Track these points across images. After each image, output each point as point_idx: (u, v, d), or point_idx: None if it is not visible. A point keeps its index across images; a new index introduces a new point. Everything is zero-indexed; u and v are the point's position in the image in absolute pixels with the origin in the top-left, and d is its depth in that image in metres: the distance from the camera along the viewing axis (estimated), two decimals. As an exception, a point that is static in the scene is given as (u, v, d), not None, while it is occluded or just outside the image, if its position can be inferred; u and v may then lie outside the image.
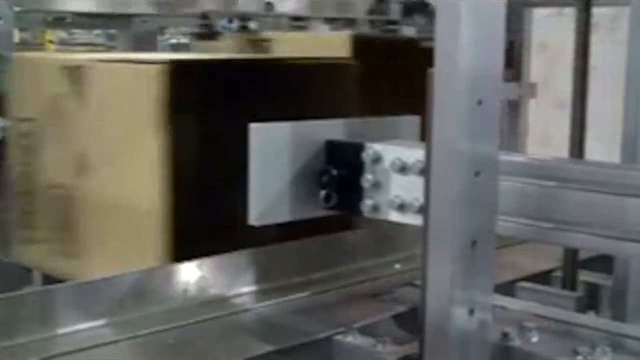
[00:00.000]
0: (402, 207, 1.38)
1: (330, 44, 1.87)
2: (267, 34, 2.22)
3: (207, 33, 2.43)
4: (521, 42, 3.78)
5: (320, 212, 1.47)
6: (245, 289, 1.55)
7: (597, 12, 1.73)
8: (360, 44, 1.94)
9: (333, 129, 1.49)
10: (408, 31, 2.45)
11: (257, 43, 2.11)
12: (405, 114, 1.53)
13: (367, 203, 1.41)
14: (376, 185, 1.40)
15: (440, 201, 1.14)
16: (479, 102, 1.12)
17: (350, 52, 1.81)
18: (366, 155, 1.41)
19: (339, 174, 1.45)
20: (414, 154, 1.35)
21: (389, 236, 1.80)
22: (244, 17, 2.39)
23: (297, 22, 2.48)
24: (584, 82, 1.62)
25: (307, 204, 1.46)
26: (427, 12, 2.66)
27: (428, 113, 1.14)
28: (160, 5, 2.40)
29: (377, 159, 1.40)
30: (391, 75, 2.26)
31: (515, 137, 3.83)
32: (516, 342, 1.30)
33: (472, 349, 1.16)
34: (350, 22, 2.56)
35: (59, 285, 1.46)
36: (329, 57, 1.95)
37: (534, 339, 1.31)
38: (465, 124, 1.11)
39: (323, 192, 1.45)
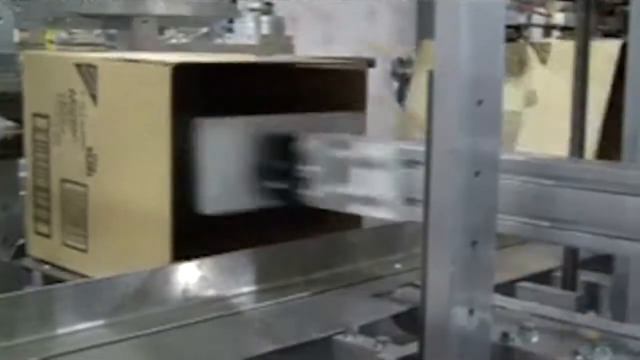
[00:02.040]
0: (349, 198, 1.43)
1: (148, 75, 1.62)
2: (92, 56, 1.82)
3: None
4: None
5: (266, 203, 1.61)
6: (245, 289, 1.55)
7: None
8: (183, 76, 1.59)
9: (278, 122, 1.55)
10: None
11: (84, 68, 1.74)
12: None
13: (309, 194, 1.45)
14: (319, 176, 1.45)
15: (440, 201, 1.14)
16: (479, 102, 1.12)
17: (170, 86, 1.53)
18: (305, 148, 1.44)
19: (281, 167, 1.51)
20: (358, 148, 1.39)
21: (389, 236, 1.80)
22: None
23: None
24: (584, 83, 1.62)
25: (254, 195, 1.62)
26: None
27: (428, 113, 1.14)
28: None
29: (319, 152, 1.44)
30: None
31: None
32: (516, 342, 1.30)
33: (472, 349, 1.16)
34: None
35: (59, 285, 1.46)
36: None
37: (534, 339, 1.31)
38: (465, 124, 1.11)
39: (268, 183, 1.49)
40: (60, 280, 1.68)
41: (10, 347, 1.27)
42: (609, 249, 1.24)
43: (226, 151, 1.62)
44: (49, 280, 1.79)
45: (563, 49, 2.59)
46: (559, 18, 5.07)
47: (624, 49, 2.05)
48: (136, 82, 1.68)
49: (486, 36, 1.12)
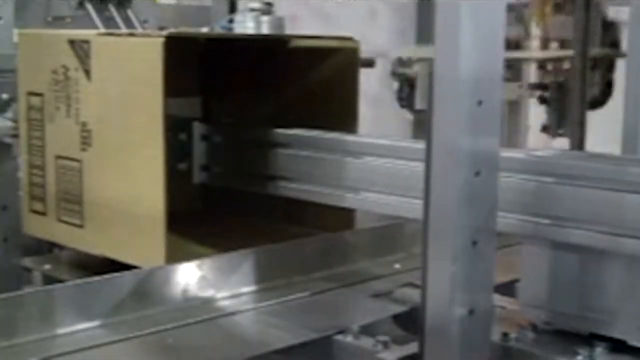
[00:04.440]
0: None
1: (140, 48, 1.62)
2: (86, 33, 1.81)
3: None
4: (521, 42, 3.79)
5: None
6: (245, 289, 1.55)
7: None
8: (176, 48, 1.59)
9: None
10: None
11: (77, 44, 1.73)
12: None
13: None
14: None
15: (441, 201, 1.14)
16: (479, 103, 1.12)
17: (163, 58, 1.53)
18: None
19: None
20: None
21: (389, 236, 1.80)
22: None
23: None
24: (583, 82, 1.62)
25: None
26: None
27: (428, 113, 1.14)
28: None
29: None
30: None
31: (515, 137, 3.84)
32: (516, 342, 1.30)
33: (472, 349, 1.16)
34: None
35: (59, 285, 1.46)
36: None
37: (534, 339, 1.31)
38: (465, 125, 1.11)
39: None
40: (60, 281, 1.68)
41: (10, 347, 1.27)
42: (609, 247, 1.24)
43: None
44: (49, 280, 1.79)
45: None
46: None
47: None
48: (129, 57, 1.68)
49: (486, 37, 1.12)
